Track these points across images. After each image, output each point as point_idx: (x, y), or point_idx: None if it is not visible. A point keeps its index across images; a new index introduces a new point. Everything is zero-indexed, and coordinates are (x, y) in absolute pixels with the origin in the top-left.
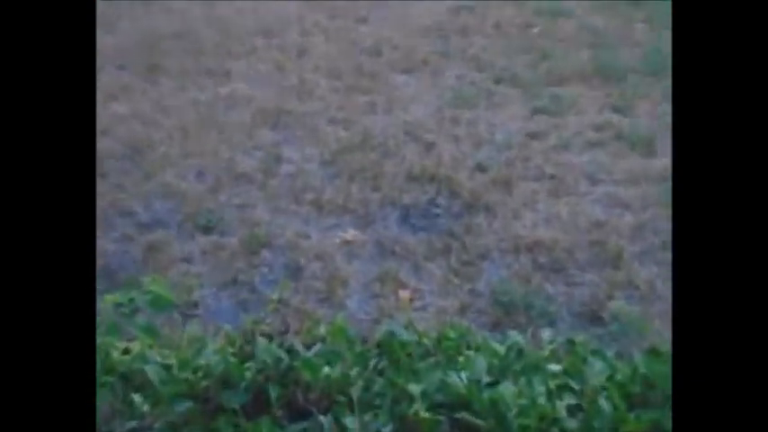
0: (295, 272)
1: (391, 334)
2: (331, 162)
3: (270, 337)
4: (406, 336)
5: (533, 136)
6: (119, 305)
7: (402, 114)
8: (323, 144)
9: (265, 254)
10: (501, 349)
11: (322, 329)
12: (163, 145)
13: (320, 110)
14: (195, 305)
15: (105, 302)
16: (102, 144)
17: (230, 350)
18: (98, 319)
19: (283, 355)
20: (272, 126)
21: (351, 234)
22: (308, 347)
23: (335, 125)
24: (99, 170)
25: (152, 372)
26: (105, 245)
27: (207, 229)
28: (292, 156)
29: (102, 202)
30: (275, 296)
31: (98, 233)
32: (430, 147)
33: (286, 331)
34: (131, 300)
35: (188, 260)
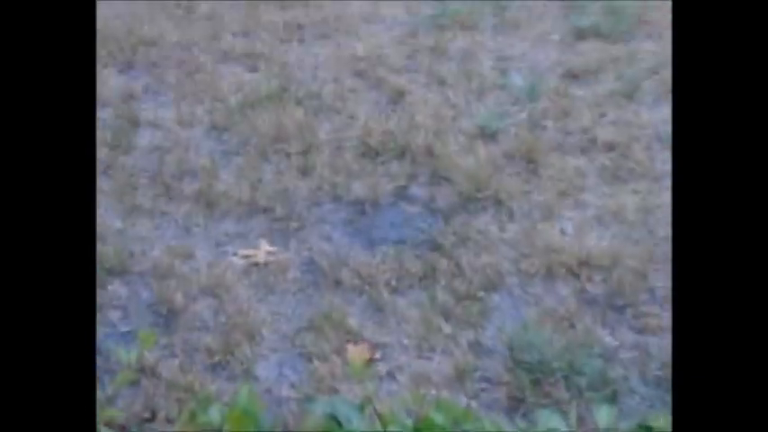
0: (168, 317)
1: (333, 422)
2: (226, 127)
3: (121, 429)
4: (358, 424)
5: (575, 76)
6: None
7: (350, 42)
8: (212, 96)
9: (115, 287)
10: None
11: (214, 416)
12: None
13: (205, 36)
14: None
15: None
16: None
17: None
18: None
19: None
20: (122, 65)
21: (263, 250)
22: None
23: (233, 63)
24: None
25: None
26: None
27: None
28: (158, 116)
29: None
30: (131, 359)
31: None
32: (397, 97)
33: (151, 419)
34: None
35: None
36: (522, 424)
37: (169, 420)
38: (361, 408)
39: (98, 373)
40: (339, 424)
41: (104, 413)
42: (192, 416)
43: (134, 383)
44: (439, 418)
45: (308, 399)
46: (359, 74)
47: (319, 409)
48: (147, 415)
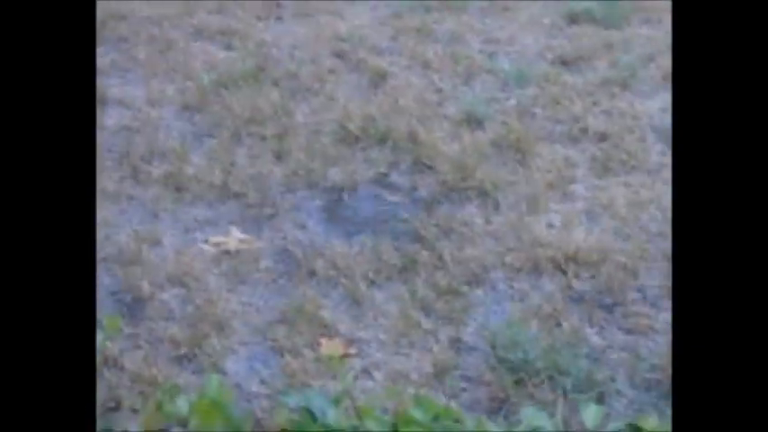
0: (133, 305)
1: (307, 415)
2: (198, 108)
3: (102, 418)
4: (334, 419)
5: (566, 63)
6: None
7: (330, 21)
8: (184, 74)
9: None
10: None
11: (182, 406)
12: None
13: (179, 12)
14: None
15: None
16: None
17: None
18: None
19: None
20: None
21: (234, 238)
22: None
23: (207, 40)
24: None
25: None
26: None
27: None
28: (126, 94)
29: None
30: (99, 346)
31: None
32: (379, 79)
33: (115, 409)
34: None
35: None
36: (504, 425)
37: (134, 411)
38: (337, 401)
39: None
40: (314, 418)
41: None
42: (159, 406)
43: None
44: (418, 414)
45: (280, 392)
46: (339, 55)
47: (293, 401)
48: (110, 405)
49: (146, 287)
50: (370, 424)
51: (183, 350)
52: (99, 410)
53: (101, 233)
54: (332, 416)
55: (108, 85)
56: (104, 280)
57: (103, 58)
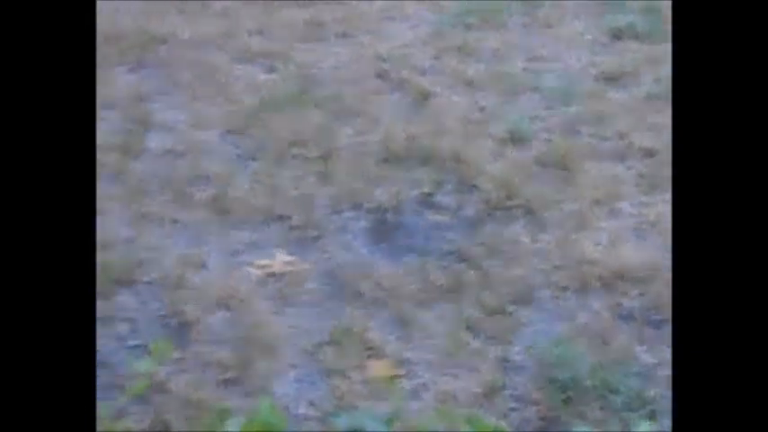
0: (179, 329)
1: None
2: (242, 130)
3: None
4: None
5: (611, 79)
6: None
7: (372, 42)
8: (227, 97)
9: (123, 297)
10: None
11: (233, 428)
12: None
13: (220, 34)
14: None
15: None
16: None
17: None
18: None
19: None
20: (132, 64)
21: (280, 260)
22: None
23: (249, 63)
24: None
25: None
26: None
27: None
28: (170, 118)
29: None
30: (144, 371)
31: None
32: (422, 99)
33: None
34: None
35: None
36: None
37: None
38: (389, 423)
39: (105, 388)
40: None
41: (116, 426)
42: (210, 429)
43: (143, 398)
44: None
45: (329, 414)
46: (381, 75)
47: (344, 423)
48: (158, 428)
49: (192, 311)
50: None
51: (230, 374)
52: None
53: (146, 257)
54: None
55: (152, 109)
56: (151, 304)
57: (147, 82)
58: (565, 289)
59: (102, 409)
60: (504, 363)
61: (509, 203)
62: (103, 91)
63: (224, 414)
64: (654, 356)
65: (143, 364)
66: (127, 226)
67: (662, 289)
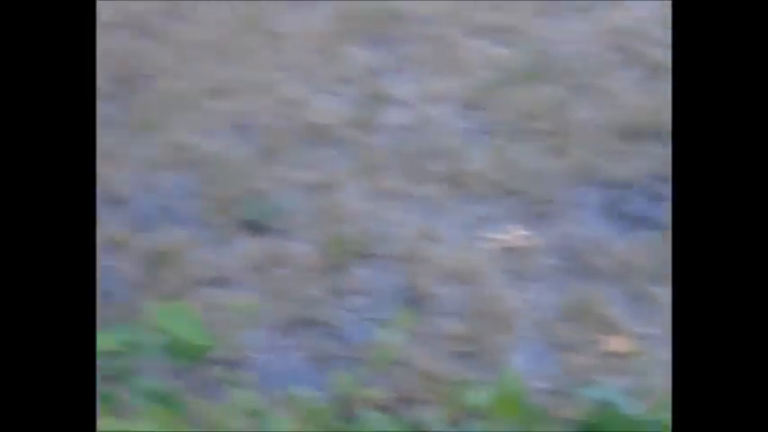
0: (415, 303)
1: (609, 408)
2: (476, 104)
3: (382, 410)
4: (635, 412)
5: None
6: (110, 355)
7: (607, 15)
8: (461, 72)
9: (361, 270)
10: None
11: (479, 398)
12: (169, 78)
13: (455, 8)
14: (241, 356)
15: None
16: None
17: (312, 431)
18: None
19: None
20: (366, 41)
21: (515, 234)
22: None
23: (484, 37)
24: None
25: None
26: None
27: (254, 227)
28: (405, 93)
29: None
30: (385, 342)
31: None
32: (659, 73)
33: (407, 401)
34: (134, 344)
35: (223, 279)
36: None
37: (425, 404)
38: (634, 395)
39: (344, 359)
40: (615, 410)
41: (364, 393)
42: (455, 399)
43: (382, 369)
44: None
45: (579, 385)
46: (618, 48)
47: (591, 396)
48: (400, 396)
49: (427, 284)
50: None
51: (465, 347)
52: (392, 401)
53: (382, 231)
54: (632, 409)
55: (386, 84)
56: (388, 277)
57: (381, 57)
58: None
59: (344, 378)
60: None
61: None
62: (339, 67)
63: (467, 385)
64: None
65: (384, 336)
66: (364, 200)
67: None
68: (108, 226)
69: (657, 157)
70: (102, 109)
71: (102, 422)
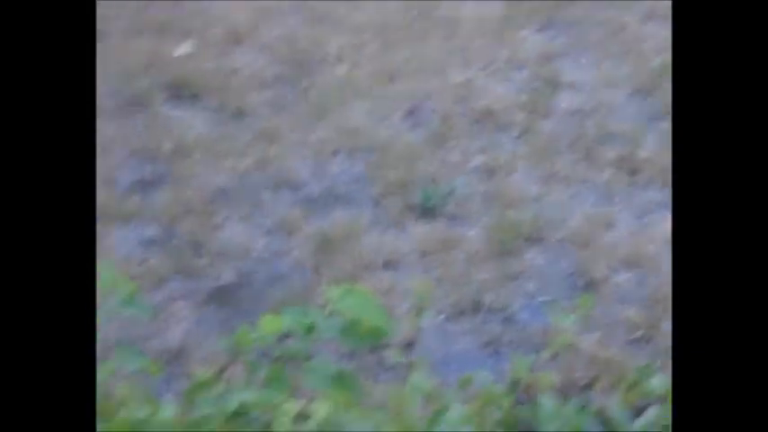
0: (586, 288)
1: None
2: (650, 90)
3: (559, 396)
4: None
5: None
6: (284, 336)
7: None
8: (635, 56)
9: (532, 254)
10: None
11: (657, 385)
12: (343, 63)
13: None
14: (415, 339)
15: (262, 330)
16: (243, 58)
17: (492, 415)
18: (250, 356)
19: (597, 426)
20: (539, 25)
21: None
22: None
23: (658, 22)
24: (231, 106)
25: None
26: (254, 235)
27: (425, 211)
28: (578, 77)
29: (246, 161)
30: (561, 327)
31: (240, 215)
32: None
33: (583, 386)
34: (308, 327)
35: (393, 263)
36: None
37: (610, 389)
38: None
39: (516, 343)
40: None
41: (540, 378)
42: (633, 385)
43: (564, 351)
44: None
45: None
46: None
47: None
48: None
49: (599, 269)
50: None
51: (639, 332)
52: (569, 385)
53: (555, 216)
54: None
55: (560, 68)
56: (559, 262)
57: (555, 41)
58: None
59: (519, 362)
60: None
61: None
62: (512, 51)
63: (647, 371)
64: None
65: (558, 320)
66: (536, 184)
67: None
68: (281, 209)
69: None
70: (276, 93)
71: (281, 403)
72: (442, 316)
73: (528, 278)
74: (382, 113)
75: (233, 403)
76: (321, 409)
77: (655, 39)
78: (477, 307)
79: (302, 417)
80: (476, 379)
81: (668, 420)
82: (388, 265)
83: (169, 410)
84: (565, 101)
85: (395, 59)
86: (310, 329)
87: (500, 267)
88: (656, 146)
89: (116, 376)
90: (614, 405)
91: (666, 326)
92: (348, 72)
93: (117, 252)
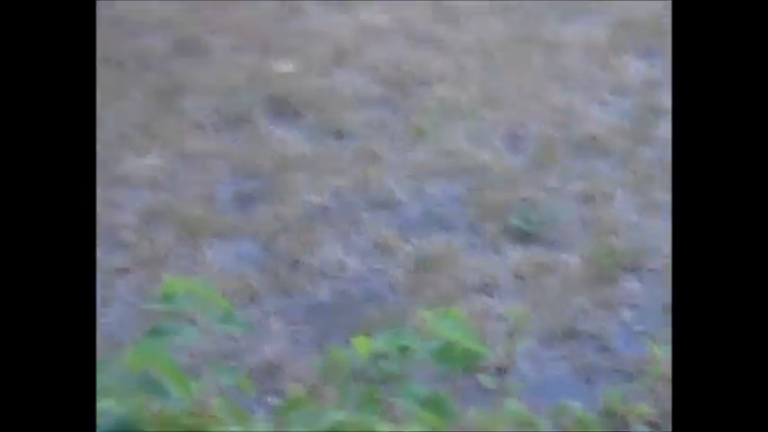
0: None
1: None
2: None
3: (652, 427)
4: None
5: None
6: (378, 356)
7: None
8: None
9: (629, 282)
10: None
11: None
12: (443, 85)
13: None
14: (510, 365)
15: (356, 350)
16: (344, 77)
17: None
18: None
19: None
20: (642, 51)
21: None
22: None
23: None
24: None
25: None
26: (350, 255)
27: (523, 235)
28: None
29: (345, 180)
30: (657, 357)
31: (337, 234)
32: None
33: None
34: (402, 348)
35: (489, 287)
36: None
37: None
38: None
39: (609, 371)
40: None
41: (634, 408)
42: None
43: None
44: None
45: None
46: None
47: None
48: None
49: None
50: None
51: None
52: (662, 417)
53: (652, 244)
54: None
55: (662, 96)
56: (655, 291)
57: (658, 67)
58: None
59: (613, 392)
60: None
61: None
62: (615, 76)
63: None
64: None
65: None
66: (635, 212)
67: None
68: (377, 230)
69: None
70: (377, 114)
71: (373, 424)
72: (538, 342)
73: (624, 306)
74: (482, 136)
75: (326, 423)
76: (416, 431)
77: None
78: (571, 334)
79: None
80: (569, 406)
81: None
82: (484, 288)
83: (261, 427)
84: (666, 129)
85: (496, 82)
86: (404, 351)
87: (596, 294)
88: None
89: (210, 391)
90: None
91: None
92: (449, 94)
93: (214, 267)
